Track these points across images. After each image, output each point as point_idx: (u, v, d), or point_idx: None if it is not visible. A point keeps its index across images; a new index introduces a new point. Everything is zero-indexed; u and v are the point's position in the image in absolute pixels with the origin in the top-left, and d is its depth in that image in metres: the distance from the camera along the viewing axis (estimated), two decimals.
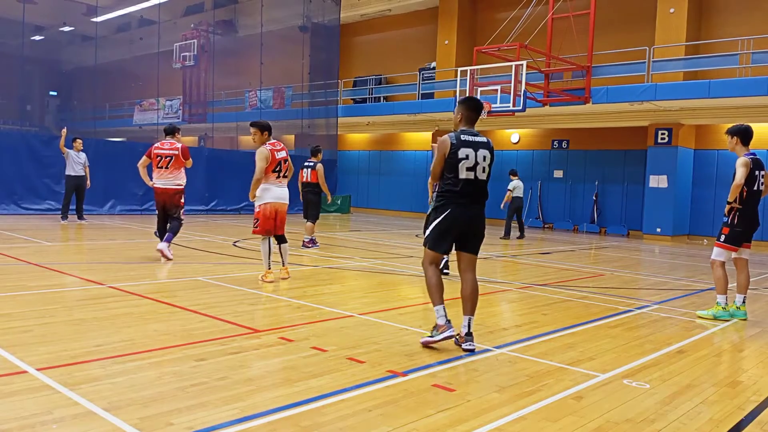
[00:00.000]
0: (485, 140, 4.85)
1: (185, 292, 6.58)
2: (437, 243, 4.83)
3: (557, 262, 11.20)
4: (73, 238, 11.75)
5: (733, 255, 6.58)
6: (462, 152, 4.70)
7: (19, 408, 3.18)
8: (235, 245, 11.22)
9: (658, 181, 17.59)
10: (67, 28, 27.69)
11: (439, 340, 4.73)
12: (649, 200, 17.83)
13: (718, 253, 6.56)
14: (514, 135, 22.15)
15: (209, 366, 4.03)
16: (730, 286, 6.67)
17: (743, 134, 6.48)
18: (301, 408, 3.38)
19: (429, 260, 4.88)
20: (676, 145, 17.37)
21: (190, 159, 9.09)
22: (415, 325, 5.49)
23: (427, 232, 4.92)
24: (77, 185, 13.98)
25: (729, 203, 6.44)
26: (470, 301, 4.83)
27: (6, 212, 15.21)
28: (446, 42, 22.61)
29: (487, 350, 4.79)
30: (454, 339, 4.80)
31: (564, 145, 21.07)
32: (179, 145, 8.96)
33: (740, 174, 6.29)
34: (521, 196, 15.55)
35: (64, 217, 14.06)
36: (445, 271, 7.92)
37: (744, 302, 6.59)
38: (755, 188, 6.40)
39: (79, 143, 14.10)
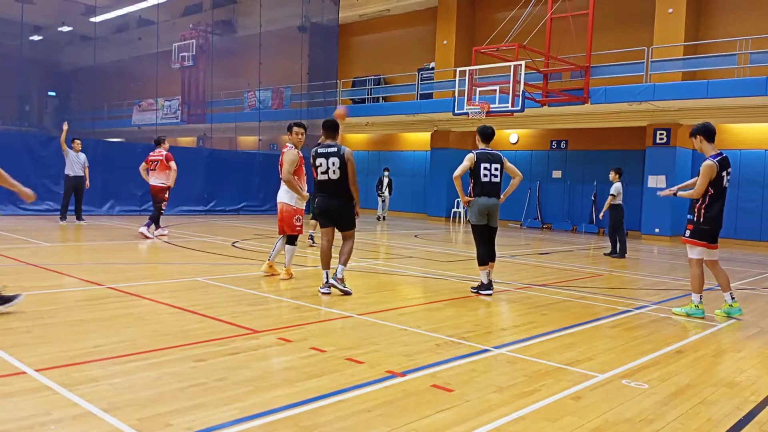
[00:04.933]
0: (335, 150, 6.68)
1: (184, 292, 6.58)
2: (319, 221, 7.01)
3: (556, 262, 11.21)
4: (71, 238, 11.74)
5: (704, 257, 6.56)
6: (317, 161, 6.73)
7: (17, 409, 3.18)
8: (234, 246, 11.22)
9: (656, 182, 17.60)
10: (65, 28, 27.66)
11: (321, 292, 6.74)
12: (648, 200, 17.84)
13: (691, 251, 6.56)
14: (512, 135, 22.16)
15: (208, 366, 4.03)
16: (711, 287, 6.65)
17: (707, 132, 6.49)
18: (300, 408, 3.38)
19: (322, 234, 6.95)
20: (675, 146, 17.39)
21: (171, 163, 11.63)
22: (414, 326, 5.49)
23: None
24: (76, 186, 13.97)
25: (675, 194, 6.69)
26: (345, 255, 6.80)
27: (5, 213, 15.19)
28: (445, 42, 22.61)
29: (486, 350, 4.79)
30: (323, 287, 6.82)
31: (562, 145, 21.09)
32: (164, 153, 11.66)
33: (700, 184, 6.34)
34: (621, 203, 12.34)
35: (63, 217, 14.05)
36: (488, 292, 7.32)
37: (733, 298, 6.60)
38: (722, 186, 6.39)
39: (78, 144, 14.09)
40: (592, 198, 19.95)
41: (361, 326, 5.43)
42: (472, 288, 7.45)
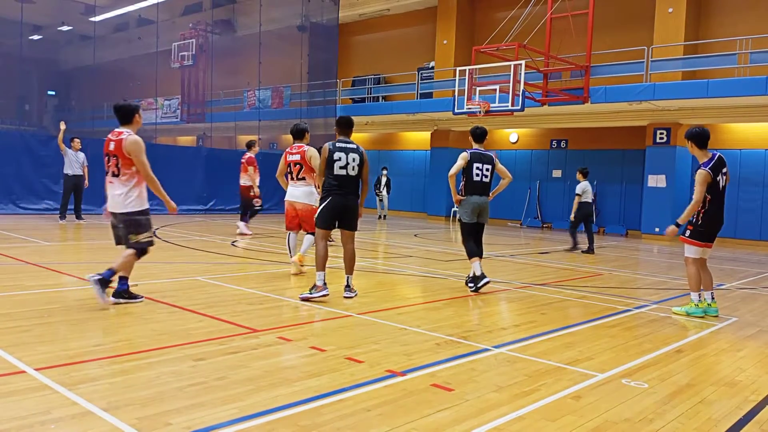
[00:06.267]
0: (355, 147, 6.62)
1: (184, 291, 6.58)
2: (323, 222, 6.59)
3: (556, 261, 11.21)
4: (71, 237, 11.74)
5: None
6: (336, 155, 6.51)
7: (17, 408, 3.17)
8: (233, 245, 11.22)
9: (656, 181, 17.61)
10: (65, 28, 27.64)
11: (316, 298, 6.27)
12: (648, 200, 17.84)
13: (688, 250, 6.57)
14: (512, 135, 22.16)
15: (208, 366, 4.03)
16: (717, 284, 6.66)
17: (699, 139, 6.47)
18: (300, 408, 3.38)
19: (320, 236, 6.61)
20: (675, 145, 17.38)
21: (250, 167, 12.61)
22: (414, 325, 5.49)
23: (316, 214, 6.68)
24: (75, 185, 13.96)
25: (677, 224, 6.36)
26: (348, 263, 6.69)
27: (4, 212, 15.19)
28: (445, 42, 22.60)
29: (486, 350, 4.79)
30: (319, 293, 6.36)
31: (562, 144, 21.09)
32: (247, 156, 12.75)
33: (698, 192, 6.28)
34: (590, 201, 13.03)
35: (63, 216, 14.05)
36: (485, 281, 7.35)
37: (713, 299, 6.61)
38: (719, 189, 6.38)
39: (77, 143, 14.08)
40: (592, 197, 19.91)
41: (361, 325, 5.43)
42: (470, 286, 7.45)
